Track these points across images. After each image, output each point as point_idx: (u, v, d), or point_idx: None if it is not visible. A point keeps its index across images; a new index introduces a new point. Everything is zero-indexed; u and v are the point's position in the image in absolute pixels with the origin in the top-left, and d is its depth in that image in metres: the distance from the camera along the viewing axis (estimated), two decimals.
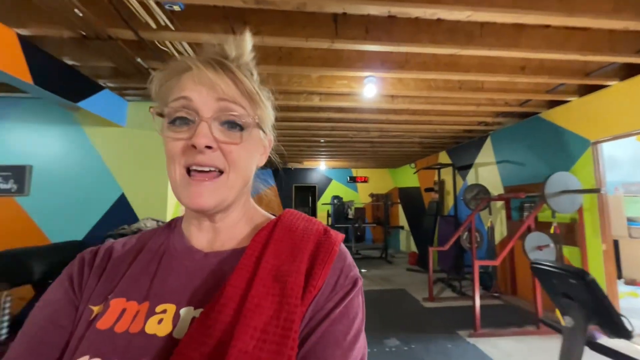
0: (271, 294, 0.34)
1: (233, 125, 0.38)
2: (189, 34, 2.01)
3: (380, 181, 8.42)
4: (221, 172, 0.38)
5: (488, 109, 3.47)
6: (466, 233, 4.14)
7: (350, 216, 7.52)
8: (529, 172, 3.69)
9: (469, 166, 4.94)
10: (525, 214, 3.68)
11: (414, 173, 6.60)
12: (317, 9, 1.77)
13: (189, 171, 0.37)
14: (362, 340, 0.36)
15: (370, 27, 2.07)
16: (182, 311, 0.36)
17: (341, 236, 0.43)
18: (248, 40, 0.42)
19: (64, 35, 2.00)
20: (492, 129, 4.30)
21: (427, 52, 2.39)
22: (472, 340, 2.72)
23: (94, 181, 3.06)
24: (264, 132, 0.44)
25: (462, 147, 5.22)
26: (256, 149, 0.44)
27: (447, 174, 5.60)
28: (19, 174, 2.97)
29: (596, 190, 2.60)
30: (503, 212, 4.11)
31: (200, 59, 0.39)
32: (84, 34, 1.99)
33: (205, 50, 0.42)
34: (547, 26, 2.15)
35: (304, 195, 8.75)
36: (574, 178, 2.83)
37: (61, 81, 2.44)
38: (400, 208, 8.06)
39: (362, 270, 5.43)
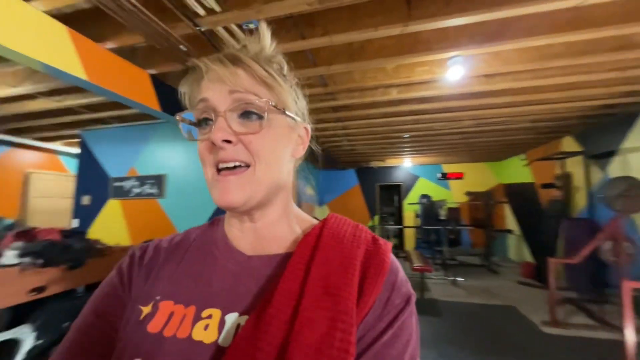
0: (323, 307, 0.32)
1: (249, 114, 0.37)
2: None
3: (478, 177, 7.29)
4: (248, 165, 0.37)
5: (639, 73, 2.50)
6: (609, 242, 3.12)
7: (441, 217, 6.76)
8: None
9: (611, 153, 3.72)
10: None
11: (525, 165, 5.41)
12: None
13: (218, 170, 0.37)
14: None
15: None
16: (228, 317, 0.35)
17: (390, 245, 0.40)
18: (265, 34, 0.42)
19: (177, 68, 2.43)
20: None
21: (534, 12, 1.88)
22: None
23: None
24: (292, 118, 0.41)
25: (598, 129, 3.97)
26: (284, 137, 0.41)
27: (575, 165, 4.37)
28: (159, 181, 3.79)
29: None
30: None
31: (211, 57, 0.38)
32: (188, 64, 2.38)
33: (225, 49, 0.41)
34: None
35: (388, 195, 8.37)
36: None
37: (179, 107, 2.99)
38: (507, 208, 6.78)
39: (459, 279, 4.78)
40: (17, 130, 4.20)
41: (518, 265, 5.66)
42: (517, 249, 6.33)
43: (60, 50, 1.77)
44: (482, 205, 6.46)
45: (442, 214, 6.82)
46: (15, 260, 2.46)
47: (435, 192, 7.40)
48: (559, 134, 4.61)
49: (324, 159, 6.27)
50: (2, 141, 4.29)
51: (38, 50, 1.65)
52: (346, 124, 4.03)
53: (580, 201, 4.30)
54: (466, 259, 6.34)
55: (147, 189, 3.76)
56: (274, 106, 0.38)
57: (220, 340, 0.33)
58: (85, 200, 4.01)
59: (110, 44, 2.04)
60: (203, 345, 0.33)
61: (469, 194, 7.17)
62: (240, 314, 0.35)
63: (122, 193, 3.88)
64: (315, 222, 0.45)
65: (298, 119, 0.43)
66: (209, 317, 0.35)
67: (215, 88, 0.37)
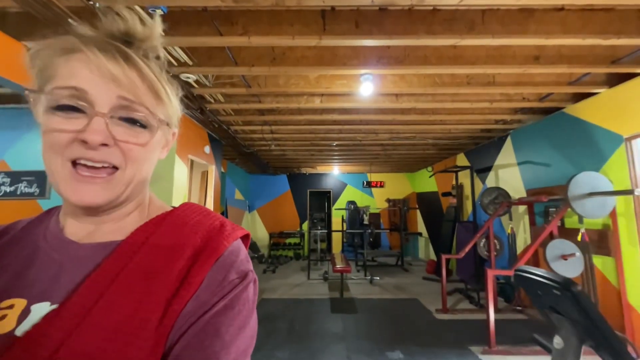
0: (134, 291, 0.32)
1: (133, 121, 0.35)
2: (179, 38, 2.03)
3: (397, 186, 8.14)
4: (115, 168, 0.34)
5: (504, 105, 3.21)
6: (484, 240, 3.83)
7: (365, 222, 7.31)
8: (554, 174, 3.35)
9: (489, 168, 4.62)
10: (551, 219, 3.33)
11: (430, 177, 6.29)
12: (297, 4, 1.70)
13: (74, 163, 0.33)
14: (248, 332, 0.34)
15: (360, 21, 1.98)
16: (35, 307, 0.32)
17: (240, 232, 0.40)
18: (158, 21, 0.38)
19: None
20: (511, 128, 3.98)
21: (426, 45, 2.25)
22: (484, 358, 2.46)
23: None
24: (169, 127, 0.40)
25: (481, 149, 4.90)
26: (159, 144, 0.40)
27: (465, 177, 5.27)
28: (41, 179, 3.16)
29: (629, 192, 2.28)
30: (526, 218, 3.76)
31: (99, 43, 0.33)
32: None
33: (106, 26, 0.35)
34: (561, 8, 1.94)
35: (319, 201, 8.67)
36: (603, 178, 2.51)
37: None
38: (418, 214, 7.72)
39: (376, 278, 5.21)
40: None
41: (425, 263, 6.48)
42: (425, 249, 7.24)
43: None
44: (399, 211, 7.23)
45: (366, 219, 7.38)
46: None
47: (361, 198, 7.97)
48: (454, 151, 5.52)
49: (253, 163, 6.16)
50: None
51: None
52: (274, 128, 4.07)
53: (469, 207, 5.19)
54: (384, 260, 6.95)
55: (24, 187, 3.11)
56: (162, 120, 0.37)
57: (17, 330, 0.31)
58: None
59: None
60: None
61: (388, 201, 7.95)
62: (53, 304, 0.33)
63: None
64: (168, 210, 0.44)
65: (175, 129, 0.42)
66: (10, 307, 0.33)
67: (99, 83, 0.33)
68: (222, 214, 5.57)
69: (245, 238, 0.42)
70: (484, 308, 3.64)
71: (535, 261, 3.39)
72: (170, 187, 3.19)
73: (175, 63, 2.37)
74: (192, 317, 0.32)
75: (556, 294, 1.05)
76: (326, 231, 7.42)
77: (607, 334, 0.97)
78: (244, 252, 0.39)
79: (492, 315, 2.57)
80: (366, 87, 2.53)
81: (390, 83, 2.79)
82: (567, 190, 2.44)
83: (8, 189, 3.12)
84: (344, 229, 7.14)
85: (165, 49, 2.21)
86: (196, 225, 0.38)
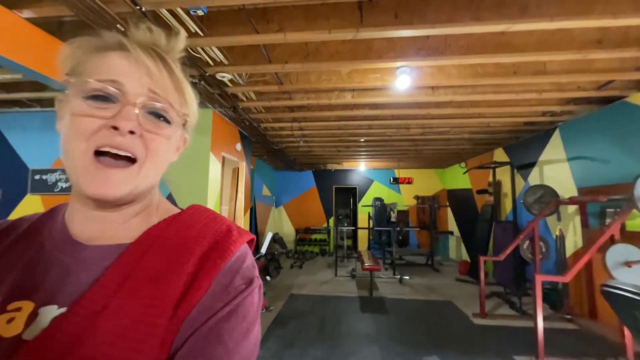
0: (142, 295, 0.32)
1: (159, 116, 0.37)
2: (217, 38, 2.04)
3: (426, 182, 7.84)
4: (134, 161, 0.35)
5: (554, 96, 2.93)
6: (527, 242, 3.57)
7: (392, 219, 7.13)
8: (613, 171, 3.02)
9: (532, 164, 4.28)
10: (609, 220, 3.02)
11: (464, 173, 5.97)
12: None
13: (96, 152, 0.33)
14: (252, 339, 0.34)
15: (400, 11, 1.87)
16: (43, 310, 0.32)
17: (246, 236, 0.40)
18: (182, 37, 0.40)
19: None
20: (560, 120, 3.64)
21: (470, 33, 2.08)
22: None
23: None
24: (185, 130, 0.43)
25: (523, 143, 4.54)
26: (174, 144, 0.41)
27: (504, 174, 4.94)
28: None
29: None
30: (577, 219, 3.44)
31: (138, 42, 0.36)
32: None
33: (135, 34, 0.38)
34: None
35: (345, 197, 8.59)
36: None
37: None
38: (449, 212, 7.40)
39: (405, 278, 5.07)
40: None
41: (457, 264, 6.20)
42: (456, 249, 6.94)
43: None
44: (428, 209, 6.97)
45: (393, 216, 7.20)
46: None
47: (388, 195, 7.78)
48: (491, 146, 5.18)
49: (280, 159, 6.20)
50: None
51: None
52: (303, 125, 4.04)
53: (507, 206, 4.87)
54: (413, 259, 6.75)
55: (63, 183, 3.34)
56: (185, 119, 0.40)
57: (24, 334, 0.30)
58: None
59: (28, 13, 1.77)
60: (0, 340, 0.30)
61: (417, 197, 7.69)
62: (61, 307, 0.32)
63: (44, 187, 3.39)
64: (176, 213, 0.43)
65: (187, 135, 0.44)
66: (17, 309, 0.32)
67: (135, 75, 0.35)
68: (251, 209, 5.69)
69: (250, 242, 0.42)
70: (526, 315, 3.40)
71: (588, 268, 3.10)
72: (206, 184, 3.28)
73: (211, 63, 2.40)
74: (197, 322, 0.32)
75: None
76: (353, 228, 7.34)
77: None
78: (250, 257, 0.39)
79: (540, 323, 2.38)
80: (402, 80, 2.41)
81: (427, 75, 2.64)
82: (634, 189, 2.17)
83: (64, 185, 3.38)
84: (371, 226, 7.02)
85: (202, 49, 2.25)
86: (203, 229, 0.38)
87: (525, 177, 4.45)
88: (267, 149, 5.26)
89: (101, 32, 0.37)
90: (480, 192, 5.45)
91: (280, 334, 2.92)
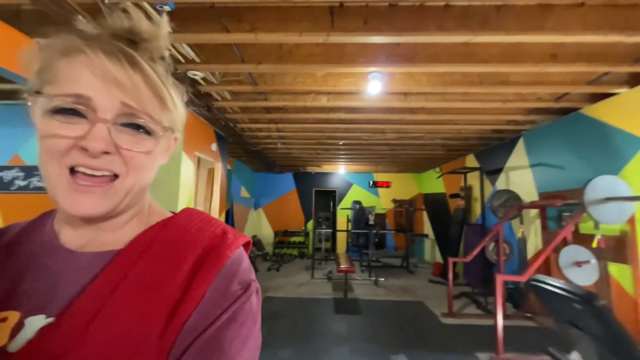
0: (134, 304, 0.31)
1: (137, 127, 0.33)
2: (187, 35, 2.01)
3: (404, 186, 8.04)
4: (116, 176, 0.33)
5: (517, 106, 3.11)
6: (493, 244, 3.74)
7: (370, 222, 7.24)
8: (569, 177, 3.24)
9: (499, 170, 4.50)
10: (564, 223, 3.22)
11: (438, 177, 6.19)
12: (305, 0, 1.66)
13: (72, 169, 0.31)
14: (251, 345, 0.34)
15: (369, 18, 1.92)
16: (29, 320, 0.31)
17: (242, 239, 0.39)
18: (165, 19, 0.36)
19: None
20: (524, 129, 3.87)
21: (437, 42, 2.18)
22: None
23: None
24: (172, 132, 0.39)
25: (491, 150, 4.77)
26: (161, 151, 0.38)
27: (474, 179, 5.16)
28: None
29: None
30: (538, 222, 3.65)
31: (103, 44, 0.31)
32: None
33: (111, 24, 0.34)
34: (582, 4, 1.84)
35: (325, 200, 8.63)
36: (622, 183, 2.40)
37: None
38: (425, 215, 7.61)
39: (380, 279, 5.15)
40: None
41: (431, 266, 6.39)
42: (431, 251, 7.14)
43: None
44: (405, 212, 7.14)
45: (371, 219, 7.31)
46: None
47: (367, 199, 7.90)
48: (463, 152, 5.40)
49: (259, 161, 6.15)
50: None
51: None
52: (280, 127, 4.03)
53: (477, 209, 5.08)
54: (389, 261, 6.88)
55: (36, 181, 3.15)
56: (166, 127, 0.36)
57: (9, 346, 0.29)
58: None
59: None
60: None
61: (394, 201, 7.86)
62: (48, 316, 0.31)
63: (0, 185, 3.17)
64: (168, 216, 0.42)
65: (177, 133, 0.40)
66: (3, 320, 0.31)
67: (102, 89, 0.31)
68: (228, 211, 5.59)
69: (246, 245, 0.40)
70: (491, 313, 3.55)
71: (547, 267, 3.29)
72: (177, 184, 3.19)
73: (182, 60, 2.36)
74: (195, 331, 0.31)
75: (577, 307, 0.98)
76: (331, 231, 7.37)
77: (632, 352, 0.90)
78: (246, 260, 0.38)
79: (500, 321, 2.49)
80: (374, 85, 2.47)
81: (399, 82, 2.72)
82: (584, 194, 2.34)
83: (22, 183, 3.17)
84: (349, 228, 7.09)
85: (173, 46, 2.21)
86: (197, 233, 0.37)
87: (493, 182, 4.67)
88: (246, 150, 5.20)
89: (73, 27, 0.33)
90: (453, 196, 5.67)
91: None
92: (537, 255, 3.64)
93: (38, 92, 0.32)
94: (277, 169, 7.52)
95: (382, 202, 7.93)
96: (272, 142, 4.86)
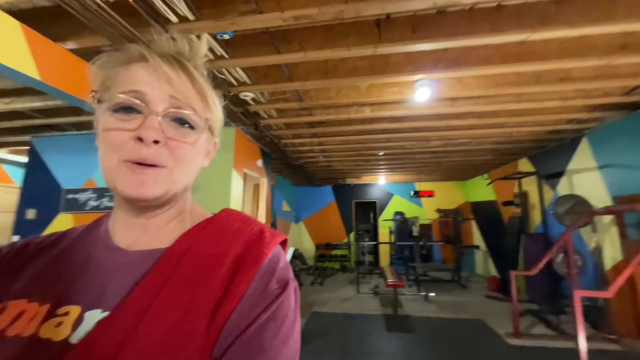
0: (180, 300, 0.32)
1: (183, 122, 0.37)
2: (241, 59, 2.18)
3: (448, 195, 7.66)
4: (164, 167, 0.36)
5: (580, 103, 2.86)
6: (561, 255, 3.37)
7: (414, 233, 6.95)
8: None
9: (560, 174, 4.11)
10: None
11: (488, 184, 5.80)
12: (355, 15, 1.72)
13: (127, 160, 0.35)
14: (292, 345, 0.34)
15: (417, 26, 1.94)
16: (88, 314, 0.33)
17: (280, 237, 0.40)
18: (204, 42, 0.42)
19: None
20: (587, 127, 3.52)
21: (489, 44, 2.11)
22: None
23: None
24: (211, 134, 0.43)
25: (549, 152, 4.39)
26: (202, 149, 0.42)
27: (530, 184, 4.76)
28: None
29: None
30: (614, 230, 3.24)
31: (157, 51, 0.37)
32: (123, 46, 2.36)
33: (159, 45, 0.40)
34: None
35: (365, 212, 8.51)
36: None
37: None
38: (474, 225, 7.14)
39: (431, 295, 4.88)
40: None
41: (485, 280, 5.91)
42: (483, 263, 6.63)
43: (10, 47, 1.64)
44: (451, 222, 6.77)
45: (415, 230, 7.03)
46: None
47: (409, 209, 7.65)
48: (516, 156, 5.04)
49: (300, 175, 6.30)
50: None
51: None
52: (322, 140, 4.13)
53: (536, 217, 4.65)
54: (437, 275, 6.50)
55: (106, 202, 3.53)
56: (208, 123, 0.40)
57: (71, 338, 0.31)
58: (30, 214, 3.62)
59: (72, 45, 1.95)
60: (49, 343, 0.31)
61: (439, 211, 7.50)
62: (104, 311, 0.33)
63: (76, 206, 3.59)
64: (209, 216, 0.44)
65: (216, 138, 0.45)
66: (65, 314, 0.33)
67: (156, 85, 0.36)
68: (272, 224, 5.75)
69: (283, 243, 0.42)
70: (565, 334, 3.17)
71: (631, 282, 2.87)
72: (228, 199, 3.38)
73: (235, 83, 2.55)
74: (237, 329, 0.32)
75: None
76: (374, 243, 7.21)
77: None
78: (283, 258, 0.39)
79: (583, 345, 2.21)
80: (421, 93, 2.45)
81: (446, 87, 2.66)
82: None
83: (94, 203, 3.58)
84: (392, 240, 6.88)
85: (227, 70, 2.41)
86: (237, 233, 0.39)
87: (553, 187, 4.26)
88: (287, 165, 5.38)
89: (125, 46, 0.38)
90: (506, 203, 5.26)
91: (304, 353, 2.87)
92: (616, 267, 3.21)
93: (100, 99, 0.37)
94: (316, 183, 7.63)
95: (425, 212, 7.61)
96: (314, 156, 4.97)
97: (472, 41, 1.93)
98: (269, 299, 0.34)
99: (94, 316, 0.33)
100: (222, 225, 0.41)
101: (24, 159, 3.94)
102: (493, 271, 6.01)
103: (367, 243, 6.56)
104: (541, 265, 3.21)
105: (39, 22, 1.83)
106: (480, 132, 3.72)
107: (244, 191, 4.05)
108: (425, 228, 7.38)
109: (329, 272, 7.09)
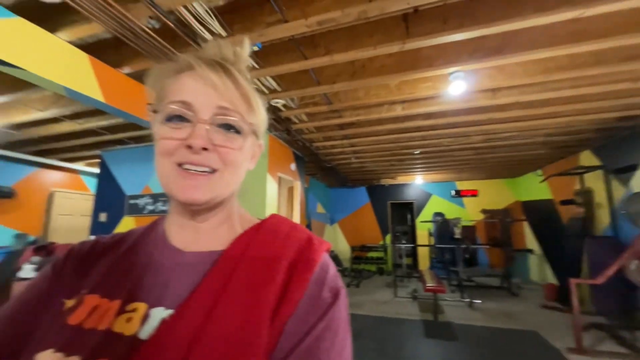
0: (242, 304, 0.33)
1: (231, 128, 0.39)
2: (270, 68, 2.23)
3: (494, 194, 7.06)
4: (214, 170, 0.38)
5: None
6: (637, 262, 2.90)
7: (456, 236, 6.52)
8: None
9: (633, 167, 3.54)
10: None
11: (541, 182, 5.22)
12: (379, 13, 1.65)
13: (179, 166, 0.37)
14: (346, 356, 0.34)
15: (449, 16, 1.81)
16: (153, 311, 0.35)
17: (326, 245, 0.41)
18: (247, 45, 0.43)
19: None
20: None
21: (533, 26, 1.89)
22: None
23: None
24: (257, 137, 0.44)
25: (617, 143, 3.81)
26: (249, 152, 0.43)
27: (595, 180, 4.18)
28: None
29: None
30: None
31: (203, 59, 0.39)
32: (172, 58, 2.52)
33: (204, 51, 0.42)
34: None
35: (401, 213, 8.22)
36: None
37: None
38: (526, 226, 6.48)
39: (477, 302, 4.53)
40: (43, 152, 4.49)
41: (541, 287, 5.33)
42: (539, 269, 5.98)
43: (81, 75, 1.93)
44: (499, 224, 6.22)
45: (457, 232, 6.59)
46: (32, 274, 2.56)
47: (449, 210, 7.21)
48: (576, 148, 4.46)
49: (333, 177, 6.29)
50: (30, 162, 4.58)
51: (61, 75, 1.80)
52: (353, 141, 4.07)
53: (603, 218, 4.07)
54: (484, 280, 6.03)
55: (160, 206, 3.88)
56: (253, 127, 0.41)
57: (140, 333, 0.33)
58: (102, 217, 4.16)
59: (128, 69, 2.20)
60: (122, 337, 0.33)
61: (484, 211, 6.95)
62: (167, 308, 0.35)
63: (136, 210, 4.01)
64: (257, 222, 0.46)
65: (261, 140, 0.46)
66: (134, 310, 0.35)
67: (202, 92, 0.37)
68: (307, 227, 5.81)
69: (327, 250, 0.42)
70: (639, 353, 2.71)
71: None
72: (264, 202, 3.49)
73: (266, 91, 2.62)
74: (294, 337, 0.32)
75: None
76: (412, 245, 6.92)
77: None
78: (332, 266, 0.40)
79: None
80: (457, 85, 2.28)
81: (486, 78, 2.45)
82: None
83: (151, 207, 3.95)
84: (432, 243, 6.53)
85: (258, 80, 2.48)
86: (287, 238, 0.40)
87: (625, 183, 3.69)
88: (320, 168, 5.40)
89: (176, 57, 0.40)
90: (565, 202, 4.68)
91: None
92: None
93: (155, 110, 0.39)
94: (350, 184, 7.56)
95: (468, 213, 7.11)
96: (345, 158, 4.92)
97: (514, 25, 1.75)
98: (322, 307, 0.35)
99: (159, 313, 0.35)
100: (272, 230, 0.42)
101: (97, 170, 4.49)
102: (550, 278, 5.39)
103: (405, 245, 6.31)
104: (610, 272, 2.79)
105: (102, 52, 2.09)
106: (528, 124, 3.36)
107: (279, 195, 4.15)
108: (469, 230, 6.88)
109: (365, 274, 6.96)
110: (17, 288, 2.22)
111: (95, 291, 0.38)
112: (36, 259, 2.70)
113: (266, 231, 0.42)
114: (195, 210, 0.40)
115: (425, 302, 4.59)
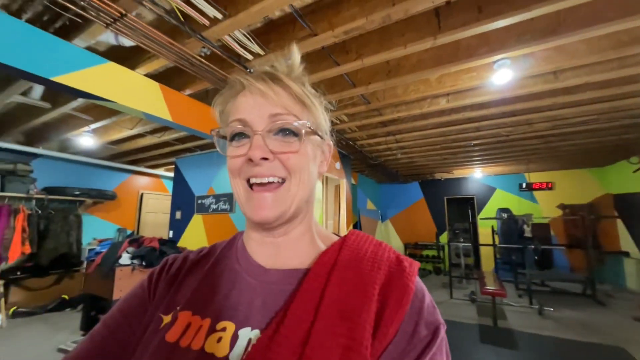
0: (337, 333, 0.31)
1: (287, 132, 0.38)
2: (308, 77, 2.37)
3: (575, 187, 6.09)
4: (283, 180, 0.38)
5: None
6: None
7: (526, 234, 5.83)
8: None
9: None
10: None
11: (634, 171, 4.33)
12: (404, 15, 1.65)
13: (250, 185, 0.38)
14: None
15: (483, 4, 1.70)
16: (241, 332, 0.35)
17: (416, 265, 0.38)
18: (296, 54, 0.43)
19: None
20: None
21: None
22: None
23: None
24: (320, 137, 0.42)
25: None
26: (314, 155, 0.42)
27: None
28: (230, 199, 4.40)
29: None
30: None
31: (251, 75, 0.40)
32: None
33: (257, 70, 0.44)
34: None
35: (459, 209, 7.66)
36: None
37: None
38: (619, 224, 5.45)
39: (548, 309, 4.03)
40: (134, 161, 5.48)
41: (638, 297, 4.46)
42: (637, 276, 4.99)
43: (154, 101, 2.35)
44: (581, 221, 5.36)
45: (527, 230, 5.90)
46: (128, 262, 3.18)
47: (518, 205, 6.47)
48: None
49: (382, 173, 6.20)
50: (124, 170, 5.63)
51: (140, 103, 2.23)
52: (398, 137, 3.98)
53: None
54: (562, 286, 5.28)
55: (222, 205, 4.38)
56: (309, 127, 0.39)
57: (231, 355, 0.33)
58: (178, 215, 4.88)
59: (188, 91, 2.59)
60: (214, 358, 0.33)
61: (563, 207, 6.05)
62: (253, 329, 0.35)
63: (203, 209, 4.60)
64: (335, 238, 0.44)
65: (326, 137, 0.44)
66: (223, 329, 0.35)
67: (254, 105, 0.38)
68: (356, 223, 5.88)
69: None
70: None
71: None
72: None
73: None
74: None
75: None
76: (471, 244, 6.42)
77: None
78: (428, 295, 0.36)
79: None
80: (502, 74, 2.10)
81: (543, 60, 2.19)
82: None
83: (214, 206, 4.50)
84: (496, 242, 5.95)
85: None
86: (373, 258, 0.37)
87: None
88: (367, 164, 5.39)
89: (231, 81, 0.41)
90: None
91: None
92: None
93: (221, 135, 0.41)
94: (401, 180, 7.33)
95: (541, 208, 6.27)
96: (392, 154, 4.83)
97: (568, 2, 1.56)
98: (419, 347, 0.31)
99: (246, 334, 0.34)
100: (356, 249, 0.39)
101: (172, 174, 5.32)
102: None
103: (464, 244, 5.89)
104: None
105: (169, 79, 2.52)
106: (607, 106, 2.86)
107: (325, 193, 4.31)
108: (542, 228, 6.09)
109: (420, 273, 6.70)
110: (118, 274, 2.80)
111: (188, 307, 0.38)
112: (131, 249, 3.34)
113: (351, 249, 0.39)
114: (270, 227, 0.39)
115: (484, 305, 4.26)
